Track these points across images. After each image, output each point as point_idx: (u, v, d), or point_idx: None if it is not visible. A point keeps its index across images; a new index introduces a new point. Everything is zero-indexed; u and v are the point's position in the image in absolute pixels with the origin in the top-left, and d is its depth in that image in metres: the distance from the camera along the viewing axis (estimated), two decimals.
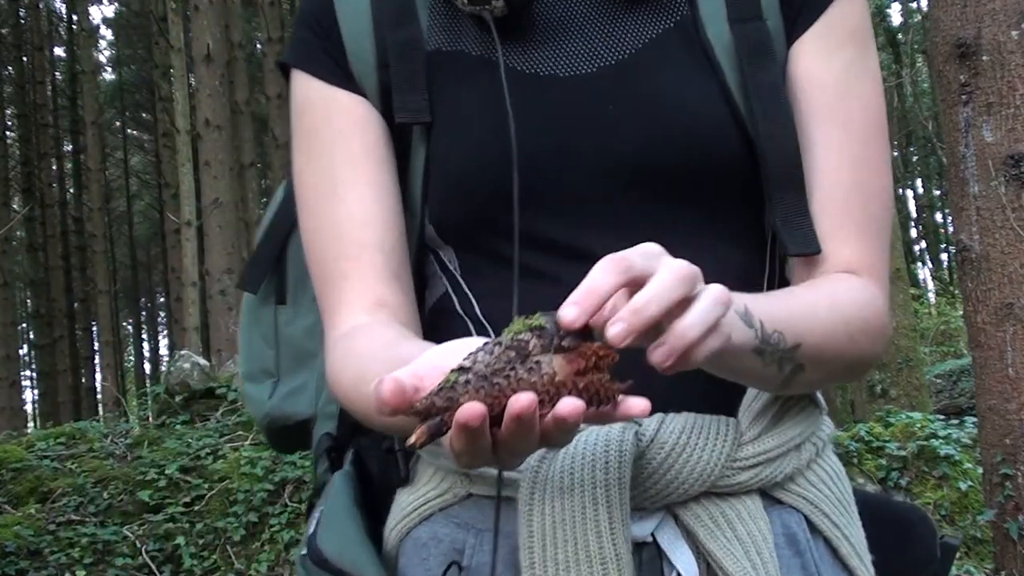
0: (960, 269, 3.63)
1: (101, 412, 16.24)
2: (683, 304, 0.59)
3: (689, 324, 0.59)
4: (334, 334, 0.87)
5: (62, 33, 22.31)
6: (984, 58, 3.43)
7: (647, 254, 0.61)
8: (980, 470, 3.82)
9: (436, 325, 0.91)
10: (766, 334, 0.71)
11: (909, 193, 29.06)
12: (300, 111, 0.93)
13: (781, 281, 0.91)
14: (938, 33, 3.57)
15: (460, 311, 0.89)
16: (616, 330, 0.57)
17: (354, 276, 0.87)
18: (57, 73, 22.00)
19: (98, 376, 21.29)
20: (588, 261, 0.61)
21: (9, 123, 19.23)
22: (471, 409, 0.54)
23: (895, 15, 26.32)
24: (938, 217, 28.61)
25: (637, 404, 0.58)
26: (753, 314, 0.70)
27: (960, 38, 3.46)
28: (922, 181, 29.51)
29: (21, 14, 19.00)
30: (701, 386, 0.75)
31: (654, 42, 0.87)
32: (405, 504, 0.88)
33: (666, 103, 0.84)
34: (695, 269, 0.61)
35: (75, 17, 19.40)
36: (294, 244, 1.02)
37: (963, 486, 4.86)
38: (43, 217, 18.46)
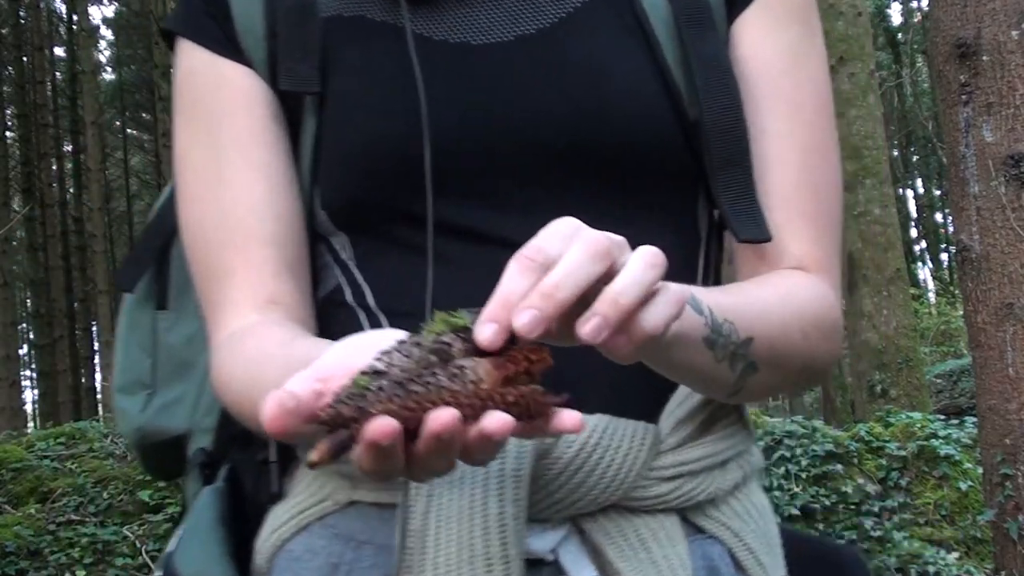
0: (960, 269, 3.63)
1: (101, 412, 16.23)
2: (606, 280, 0.51)
3: (621, 288, 0.50)
4: (220, 336, 0.77)
5: (62, 33, 22.32)
6: (984, 58, 3.43)
7: (561, 234, 0.52)
8: (980, 470, 3.82)
9: (326, 317, 0.82)
10: (716, 322, 0.63)
11: (909, 193, 29.08)
12: (183, 84, 0.82)
13: (716, 281, 0.84)
14: (938, 33, 3.58)
15: (353, 302, 0.79)
16: (524, 319, 0.48)
17: (242, 271, 0.77)
18: (57, 73, 22.01)
19: (98, 376, 21.31)
20: (501, 246, 0.56)
21: (9, 123, 19.23)
22: (382, 425, 0.45)
23: (895, 15, 26.34)
24: (938, 217, 28.66)
25: (570, 418, 0.50)
26: (701, 300, 0.62)
27: (960, 38, 3.46)
28: (922, 181, 29.53)
29: (21, 14, 19.01)
30: (619, 387, 0.66)
31: (580, 10, 0.78)
32: (281, 513, 0.78)
33: (590, 75, 0.76)
34: (617, 239, 0.53)
35: (75, 17, 19.41)
36: (179, 243, 0.89)
37: (963, 486, 4.86)
38: (43, 217, 18.45)
